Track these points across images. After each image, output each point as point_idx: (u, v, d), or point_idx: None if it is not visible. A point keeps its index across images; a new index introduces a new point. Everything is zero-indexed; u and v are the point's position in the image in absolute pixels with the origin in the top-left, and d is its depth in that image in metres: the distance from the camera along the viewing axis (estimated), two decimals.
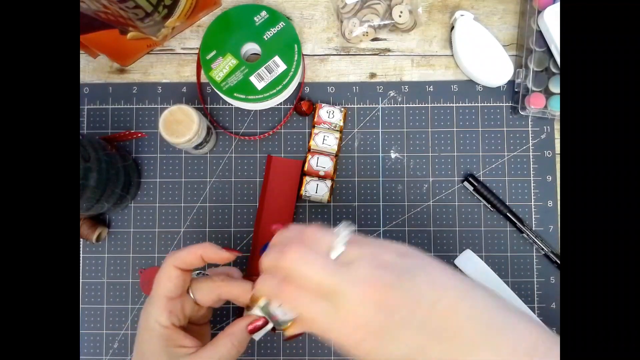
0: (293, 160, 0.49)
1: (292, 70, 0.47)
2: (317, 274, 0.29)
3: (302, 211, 0.50)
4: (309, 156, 0.48)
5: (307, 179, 0.48)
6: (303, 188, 0.48)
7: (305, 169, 0.48)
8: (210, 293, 0.37)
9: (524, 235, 0.48)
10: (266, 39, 0.47)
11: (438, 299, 0.28)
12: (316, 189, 0.48)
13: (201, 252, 0.36)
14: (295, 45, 0.47)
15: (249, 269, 0.48)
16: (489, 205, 0.49)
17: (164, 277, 0.35)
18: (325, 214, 0.50)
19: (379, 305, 0.27)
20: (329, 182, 0.48)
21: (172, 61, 0.52)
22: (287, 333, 0.32)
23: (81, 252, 0.49)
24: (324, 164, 0.48)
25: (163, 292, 0.34)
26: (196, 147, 0.45)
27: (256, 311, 0.33)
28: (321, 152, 0.49)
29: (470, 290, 0.30)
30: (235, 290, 0.36)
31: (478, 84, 0.51)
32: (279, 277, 0.30)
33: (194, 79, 0.51)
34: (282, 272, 0.30)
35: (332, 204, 0.50)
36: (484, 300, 0.30)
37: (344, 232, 0.30)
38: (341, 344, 0.29)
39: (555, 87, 0.48)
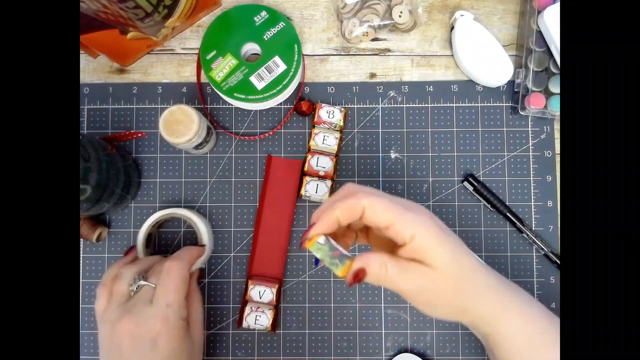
0: (293, 160, 0.49)
1: (292, 70, 0.47)
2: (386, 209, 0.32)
3: (302, 211, 0.50)
4: (309, 156, 0.48)
5: (307, 179, 0.48)
6: (303, 188, 0.48)
7: (305, 169, 0.48)
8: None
9: (524, 235, 0.48)
10: (266, 39, 0.47)
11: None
12: (316, 189, 0.48)
13: (197, 254, 0.44)
14: (295, 45, 0.47)
15: (249, 268, 0.48)
16: (489, 205, 0.49)
17: (181, 284, 0.39)
18: None
19: (440, 227, 0.33)
20: (329, 182, 0.48)
21: (172, 61, 0.52)
22: (353, 267, 0.33)
23: (81, 252, 0.49)
24: (324, 164, 0.48)
25: (183, 295, 0.39)
26: (196, 147, 0.45)
27: (316, 246, 0.33)
28: (321, 152, 0.49)
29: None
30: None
31: (478, 84, 0.51)
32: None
33: (194, 79, 0.51)
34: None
35: None
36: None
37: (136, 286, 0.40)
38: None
39: (555, 87, 0.48)
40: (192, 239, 0.46)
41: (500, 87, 0.51)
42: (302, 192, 0.48)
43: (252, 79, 0.47)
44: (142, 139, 0.50)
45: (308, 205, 0.50)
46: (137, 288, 0.39)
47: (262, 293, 0.47)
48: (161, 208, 0.49)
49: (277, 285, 0.47)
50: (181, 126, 0.42)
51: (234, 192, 0.50)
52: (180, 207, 0.49)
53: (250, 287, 0.47)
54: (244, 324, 0.46)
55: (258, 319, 0.46)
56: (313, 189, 0.48)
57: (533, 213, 0.49)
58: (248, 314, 0.46)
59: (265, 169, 0.50)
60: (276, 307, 0.47)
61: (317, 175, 0.48)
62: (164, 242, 0.50)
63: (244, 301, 0.47)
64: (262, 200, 0.49)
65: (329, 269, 0.49)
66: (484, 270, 0.35)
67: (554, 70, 0.49)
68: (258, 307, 0.46)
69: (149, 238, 0.47)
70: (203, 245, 0.46)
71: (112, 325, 0.37)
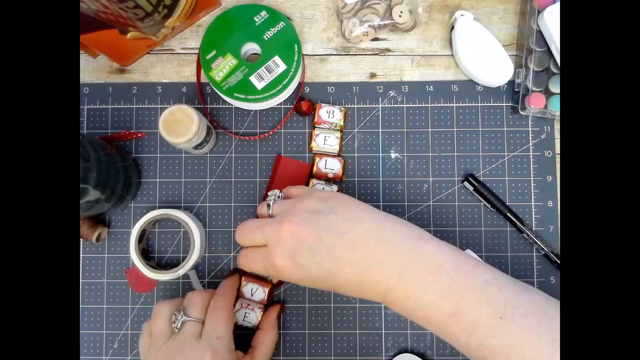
0: (302, 162, 0.49)
1: (292, 70, 0.47)
2: (251, 235, 0.38)
3: None
4: (317, 159, 0.48)
5: (313, 181, 0.48)
6: None
7: (314, 171, 0.48)
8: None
9: (524, 235, 0.48)
10: (266, 39, 0.47)
11: (348, 230, 0.35)
12: None
13: (235, 285, 0.46)
14: (295, 45, 0.47)
15: None
16: (489, 205, 0.49)
17: (229, 318, 0.41)
18: None
19: (292, 236, 0.35)
20: (335, 187, 0.48)
21: (172, 61, 0.52)
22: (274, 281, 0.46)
23: (81, 252, 0.49)
24: (333, 166, 0.48)
25: (231, 329, 0.41)
26: (196, 147, 0.45)
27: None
28: (329, 154, 0.49)
29: (382, 223, 0.36)
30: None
31: (478, 84, 0.51)
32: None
33: (194, 79, 0.51)
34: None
35: None
36: (395, 231, 0.35)
37: (271, 196, 0.40)
38: (277, 273, 0.36)
39: (555, 87, 0.48)
40: (185, 239, 0.46)
41: (500, 87, 0.51)
42: None
43: (252, 78, 0.47)
44: (142, 139, 0.50)
45: None
46: (180, 325, 0.39)
47: (254, 291, 0.47)
48: (161, 208, 0.49)
49: (269, 286, 0.47)
50: (181, 126, 0.42)
51: (233, 192, 0.50)
52: (178, 207, 0.49)
53: (243, 283, 0.47)
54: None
55: (247, 316, 0.46)
56: None
57: (533, 213, 0.49)
58: (237, 310, 0.46)
59: (272, 167, 0.50)
60: (267, 306, 0.47)
61: (325, 178, 0.48)
62: (161, 241, 0.50)
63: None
64: (266, 197, 0.49)
65: None
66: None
67: (554, 70, 0.49)
68: (248, 305, 0.46)
69: (142, 234, 0.47)
70: (236, 274, 0.47)
71: (165, 355, 0.38)
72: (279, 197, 0.40)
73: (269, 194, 0.41)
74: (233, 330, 0.40)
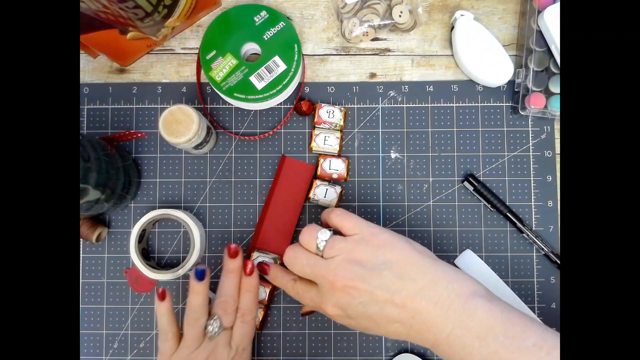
0: (306, 163, 0.49)
1: (292, 70, 0.47)
2: (302, 269, 0.39)
3: (303, 210, 0.50)
4: (321, 159, 0.48)
5: (317, 182, 0.48)
6: (312, 191, 0.48)
7: (319, 172, 0.48)
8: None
9: (524, 235, 0.48)
10: (266, 39, 0.47)
11: (400, 289, 0.35)
12: (325, 194, 0.48)
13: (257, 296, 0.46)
14: (295, 45, 0.47)
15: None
16: (489, 205, 0.49)
17: (253, 330, 0.44)
18: None
19: (345, 293, 0.36)
20: (338, 189, 0.48)
21: (172, 61, 0.52)
22: (302, 311, 0.47)
23: (81, 252, 0.49)
24: (337, 167, 0.48)
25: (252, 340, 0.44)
26: (196, 147, 0.45)
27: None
28: (332, 155, 0.49)
29: (435, 280, 0.35)
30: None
31: (478, 84, 0.51)
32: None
33: (194, 79, 0.51)
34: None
35: None
36: (449, 289, 0.35)
37: (323, 234, 0.39)
38: (326, 315, 0.38)
39: (555, 87, 0.48)
40: (185, 239, 0.46)
41: (500, 87, 0.51)
42: (311, 195, 0.48)
43: (252, 78, 0.47)
44: (142, 139, 0.50)
45: (308, 205, 0.50)
46: (217, 332, 0.41)
47: None
48: (161, 208, 0.49)
49: (271, 285, 0.47)
50: (181, 126, 0.42)
51: (233, 192, 0.50)
52: (178, 207, 0.49)
53: None
54: None
55: None
56: (322, 193, 0.48)
57: (533, 213, 0.49)
58: None
59: (277, 168, 0.50)
60: (267, 306, 0.47)
61: (330, 178, 0.48)
62: (161, 241, 0.50)
63: None
64: (269, 198, 0.49)
65: None
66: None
67: (554, 70, 0.49)
68: None
69: (142, 234, 0.47)
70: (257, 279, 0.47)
71: None
72: (329, 236, 0.39)
73: (319, 233, 0.39)
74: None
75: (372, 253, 0.36)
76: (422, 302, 0.34)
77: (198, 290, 0.42)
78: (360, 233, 0.38)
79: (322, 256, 0.38)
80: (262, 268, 0.44)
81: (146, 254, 0.49)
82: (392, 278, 0.35)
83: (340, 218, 0.39)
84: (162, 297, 0.42)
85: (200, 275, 0.42)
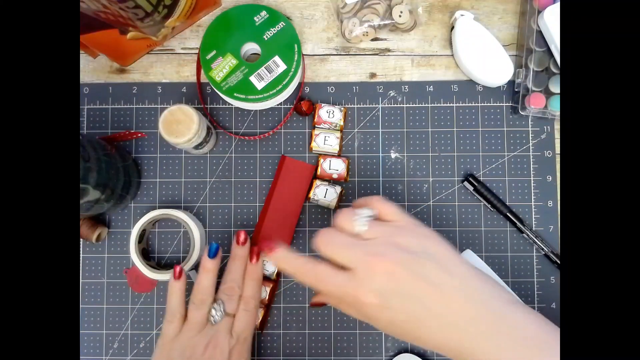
0: (306, 163, 0.49)
1: (292, 70, 0.47)
2: (337, 251, 0.34)
3: (303, 210, 0.50)
4: (321, 160, 0.48)
5: (317, 182, 0.48)
6: (312, 191, 0.48)
7: (319, 172, 0.48)
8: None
9: (524, 235, 0.48)
10: (266, 38, 0.47)
11: (442, 282, 0.33)
12: (325, 194, 0.48)
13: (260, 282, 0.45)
14: (295, 45, 0.47)
15: None
16: (489, 205, 0.49)
17: (255, 319, 0.43)
18: (325, 214, 0.50)
19: (388, 276, 0.32)
20: (338, 189, 0.48)
21: (172, 61, 0.52)
22: (313, 301, 0.40)
23: (81, 252, 0.49)
24: (337, 167, 0.48)
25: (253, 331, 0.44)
26: (196, 147, 0.45)
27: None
28: (332, 155, 0.49)
29: (472, 278, 0.34)
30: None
31: (478, 84, 0.51)
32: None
33: (194, 79, 0.51)
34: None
35: None
36: (490, 290, 0.33)
37: (362, 214, 0.35)
38: (354, 306, 0.34)
39: (555, 87, 0.48)
40: (185, 239, 0.46)
41: (500, 87, 0.51)
42: (311, 195, 0.48)
43: (252, 78, 0.47)
44: (142, 139, 0.50)
45: (308, 205, 0.50)
46: (220, 318, 0.41)
47: None
48: (161, 208, 0.49)
49: (271, 285, 0.47)
50: (181, 126, 0.42)
51: (233, 192, 0.50)
52: (178, 207, 0.49)
53: None
54: None
55: None
56: (322, 193, 0.48)
57: (533, 213, 0.49)
58: None
59: (277, 168, 0.50)
60: (267, 306, 0.47)
61: (330, 178, 0.48)
62: (161, 241, 0.50)
63: None
64: (269, 198, 0.49)
65: None
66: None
67: (554, 70, 0.49)
68: None
69: (142, 234, 0.47)
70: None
71: (193, 348, 0.40)
72: (370, 216, 0.36)
73: (358, 211, 0.36)
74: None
75: (414, 240, 0.34)
76: (461, 298, 0.32)
77: (209, 268, 0.42)
78: (402, 220, 0.36)
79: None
80: (268, 246, 0.38)
81: (146, 254, 0.49)
82: (434, 269, 0.33)
83: (383, 202, 0.37)
84: (179, 275, 0.42)
85: (214, 252, 0.42)
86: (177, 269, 0.42)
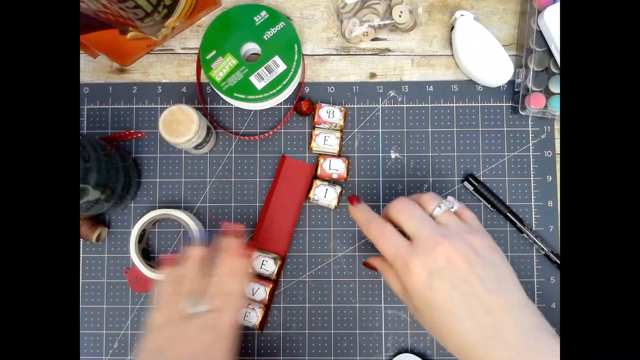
0: (306, 163, 0.49)
1: (292, 70, 0.47)
2: (408, 218, 0.35)
3: (303, 210, 0.50)
4: (321, 160, 0.48)
5: (317, 182, 0.48)
6: (312, 191, 0.48)
7: (318, 172, 0.48)
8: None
9: (524, 235, 0.48)
10: (266, 38, 0.47)
11: (495, 291, 0.33)
12: (325, 194, 0.48)
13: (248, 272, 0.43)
14: (295, 45, 0.47)
15: None
16: (489, 205, 0.49)
17: (238, 314, 0.41)
18: (325, 214, 0.50)
19: (447, 260, 0.33)
20: (338, 189, 0.48)
21: (172, 61, 0.52)
22: (368, 261, 0.41)
23: (81, 252, 0.49)
24: (337, 167, 0.48)
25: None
26: (196, 147, 0.45)
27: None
28: (332, 155, 0.49)
29: (525, 303, 0.34)
30: None
31: (478, 84, 0.51)
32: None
33: (194, 79, 0.51)
34: (387, 215, 0.37)
35: None
36: (533, 317, 0.33)
37: (446, 202, 0.37)
38: (401, 275, 0.34)
39: (555, 87, 0.48)
40: (185, 239, 0.46)
41: (500, 87, 0.51)
42: (311, 195, 0.48)
43: (252, 78, 0.47)
44: (142, 139, 0.50)
45: (308, 205, 0.50)
46: (200, 311, 0.40)
47: (255, 290, 0.47)
48: (160, 208, 0.49)
49: (271, 285, 0.47)
50: (181, 126, 0.42)
51: (233, 192, 0.50)
52: (178, 207, 0.49)
53: None
54: None
55: (247, 315, 0.46)
56: (322, 193, 0.48)
57: (533, 213, 0.49)
58: None
59: (277, 168, 0.50)
60: (267, 306, 0.47)
61: (330, 178, 0.48)
62: (161, 241, 0.50)
63: None
64: (269, 198, 0.49)
65: (329, 270, 0.49)
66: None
67: (554, 70, 0.49)
68: (249, 304, 0.46)
69: (142, 234, 0.47)
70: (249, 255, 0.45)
71: (173, 341, 0.38)
72: (452, 208, 0.38)
73: (449, 199, 0.38)
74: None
75: (484, 246, 0.35)
76: (507, 316, 0.32)
77: (195, 256, 0.41)
78: (477, 226, 0.37)
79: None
80: (353, 199, 0.40)
81: (146, 254, 0.49)
82: (493, 278, 0.33)
83: (462, 205, 0.38)
84: (173, 265, 0.42)
85: (207, 239, 0.42)
86: (171, 259, 0.42)
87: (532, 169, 0.50)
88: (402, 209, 0.37)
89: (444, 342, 0.34)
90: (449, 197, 0.38)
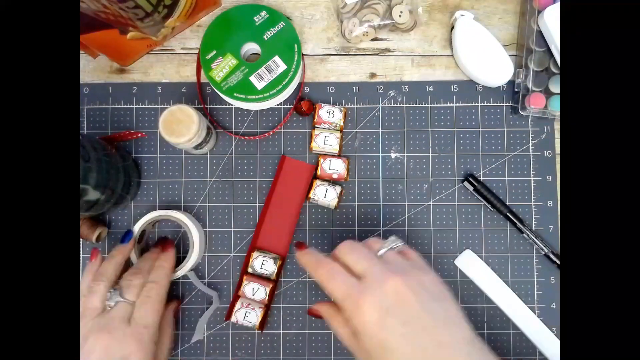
0: (306, 163, 0.49)
1: (292, 70, 0.47)
2: (356, 258, 0.35)
3: (303, 210, 0.50)
4: (321, 160, 0.48)
5: (317, 182, 0.48)
6: (312, 191, 0.48)
7: (318, 172, 0.48)
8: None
9: (524, 235, 0.48)
10: (266, 38, 0.47)
11: (447, 329, 0.33)
12: (325, 194, 0.48)
13: (170, 268, 0.45)
14: (295, 45, 0.47)
15: (246, 265, 0.48)
16: (489, 205, 0.49)
17: (160, 307, 0.41)
18: (325, 214, 0.50)
19: (397, 295, 0.33)
20: (338, 189, 0.48)
21: (172, 61, 0.52)
22: (312, 309, 0.40)
23: (81, 252, 0.49)
24: (337, 167, 0.48)
25: (159, 318, 0.41)
26: (196, 147, 0.45)
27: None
28: (332, 155, 0.49)
29: (473, 338, 0.33)
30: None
31: (478, 84, 0.51)
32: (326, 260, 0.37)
33: (194, 79, 0.51)
34: (335, 259, 0.37)
35: None
36: (482, 352, 0.33)
37: (391, 241, 0.38)
38: (351, 317, 0.33)
39: (555, 87, 0.48)
40: (185, 239, 0.46)
41: (500, 87, 0.51)
42: (311, 195, 0.48)
43: (252, 78, 0.47)
44: (142, 139, 0.50)
45: (308, 205, 0.50)
46: (114, 304, 0.40)
47: (255, 290, 0.47)
48: (160, 208, 0.49)
49: (271, 285, 0.47)
50: (181, 126, 0.42)
51: (233, 192, 0.50)
52: (178, 208, 0.49)
53: (244, 282, 0.47)
54: (233, 319, 0.46)
55: (247, 315, 0.46)
56: (322, 193, 0.48)
57: (533, 213, 0.49)
58: (238, 309, 0.46)
59: (277, 168, 0.50)
60: (267, 306, 0.47)
61: (330, 178, 0.48)
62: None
63: (236, 296, 0.47)
64: (269, 198, 0.49)
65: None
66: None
67: (554, 70, 0.49)
68: (249, 304, 0.46)
69: (142, 235, 0.47)
70: (171, 250, 0.46)
71: (85, 338, 0.38)
72: (398, 246, 0.38)
73: (391, 238, 0.38)
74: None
75: (431, 281, 0.35)
76: (462, 354, 0.32)
77: (113, 254, 0.43)
78: (422, 264, 0.37)
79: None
80: (297, 244, 0.41)
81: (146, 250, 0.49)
82: (443, 313, 0.33)
83: (405, 246, 0.39)
84: (93, 257, 0.43)
85: (127, 238, 0.44)
86: (94, 252, 0.43)
87: (532, 169, 0.50)
88: (349, 250, 0.36)
89: None
90: (392, 237, 0.39)
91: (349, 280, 0.34)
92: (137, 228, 0.46)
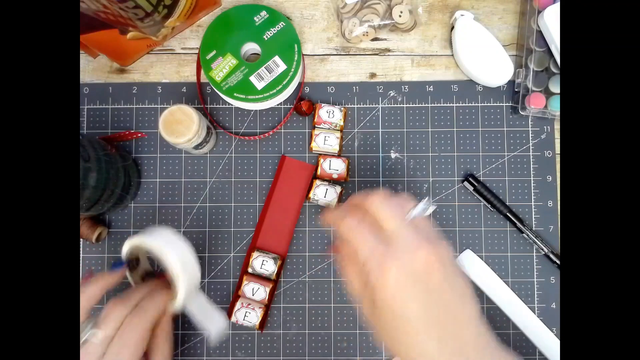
0: (306, 164, 0.49)
1: (292, 70, 0.47)
2: (389, 215, 0.33)
3: (303, 210, 0.50)
4: (321, 160, 0.48)
5: (317, 182, 0.48)
6: (312, 191, 0.48)
7: (319, 172, 0.48)
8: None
9: (524, 235, 0.48)
10: (266, 38, 0.47)
11: (461, 304, 0.32)
12: (325, 194, 0.48)
13: (164, 305, 0.39)
14: (295, 45, 0.47)
15: (246, 265, 0.48)
16: (489, 205, 0.49)
17: (140, 341, 0.37)
18: None
19: (427, 265, 0.31)
20: (338, 189, 0.48)
21: (172, 61, 0.52)
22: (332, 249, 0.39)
23: (81, 252, 0.49)
24: (337, 167, 0.48)
25: (140, 353, 0.37)
26: (196, 147, 0.45)
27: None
28: (332, 155, 0.49)
29: (480, 316, 0.33)
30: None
31: (478, 84, 0.51)
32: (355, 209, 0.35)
33: (194, 79, 0.51)
34: (363, 208, 0.35)
35: None
36: (488, 331, 0.33)
37: (424, 204, 0.35)
38: (371, 275, 0.32)
39: (555, 87, 0.48)
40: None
41: (500, 87, 0.51)
42: (311, 195, 0.48)
43: (252, 78, 0.47)
44: (142, 139, 0.50)
45: (308, 205, 0.50)
46: (87, 336, 0.36)
47: (255, 290, 0.47)
48: (160, 208, 0.49)
49: (271, 285, 0.47)
50: (181, 126, 0.42)
51: (233, 192, 0.50)
52: (178, 207, 0.49)
53: (244, 282, 0.47)
54: (233, 319, 0.46)
55: (247, 315, 0.46)
56: (322, 193, 0.48)
57: (533, 213, 0.49)
58: (238, 309, 0.46)
59: (277, 168, 0.50)
60: (267, 306, 0.47)
61: (330, 178, 0.48)
62: None
63: (236, 296, 0.47)
64: (269, 198, 0.49)
65: (329, 270, 0.49)
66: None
67: (554, 70, 0.49)
68: (249, 304, 0.46)
69: (137, 262, 0.43)
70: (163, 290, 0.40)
71: None
72: (426, 211, 0.36)
73: (423, 201, 0.36)
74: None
75: (450, 256, 0.33)
76: (472, 329, 0.32)
77: (90, 280, 0.38)
78: (443, 239, 0.35)
79: None
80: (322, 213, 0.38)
81: (152, 273, 0.46)
82: (460, 289, 0.33)
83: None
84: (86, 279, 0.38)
85: (116, 267, 0.38)
86: (87, 276, 0.39)
87: (532, 169, 0.50)
88: (381, 204, 0.34)
89: (396, 348, 0.32)
90: (425, 199, 0.36)
91: (377, 237, 0.33)
92: (124, 254, 0.41)
